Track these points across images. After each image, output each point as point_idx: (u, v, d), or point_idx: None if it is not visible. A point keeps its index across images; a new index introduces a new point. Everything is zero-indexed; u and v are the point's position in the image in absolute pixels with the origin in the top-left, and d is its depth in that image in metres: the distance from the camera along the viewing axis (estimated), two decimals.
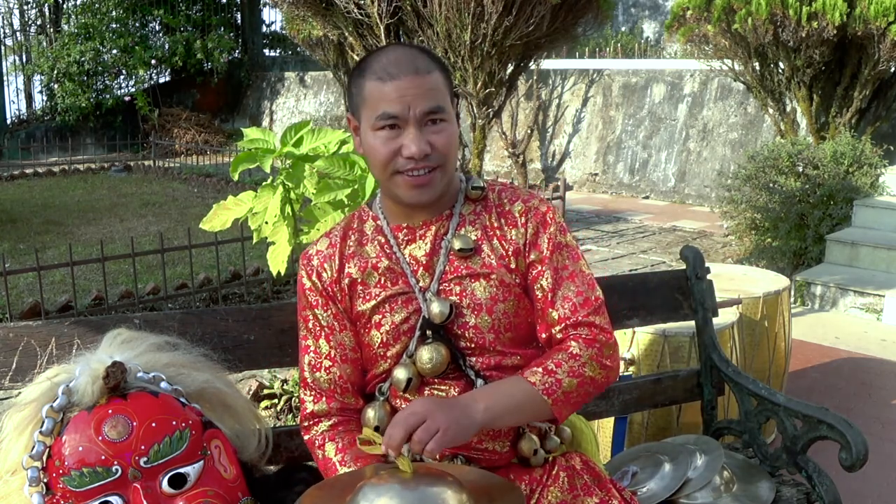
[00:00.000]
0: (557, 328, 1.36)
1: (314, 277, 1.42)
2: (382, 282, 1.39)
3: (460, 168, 5.24)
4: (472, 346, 1.37)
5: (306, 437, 1.42)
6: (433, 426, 1.16)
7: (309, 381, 1.41)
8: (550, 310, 1.37)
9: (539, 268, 1.39)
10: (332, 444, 1.37)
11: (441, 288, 1.37)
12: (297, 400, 3.13)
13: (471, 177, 1.46)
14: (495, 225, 1.41)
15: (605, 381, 1.36)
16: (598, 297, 1.40)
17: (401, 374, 1.36)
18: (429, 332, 1.36)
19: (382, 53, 1.34)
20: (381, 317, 1.38)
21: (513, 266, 1.39)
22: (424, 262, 1.38)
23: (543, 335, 1.39)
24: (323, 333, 1.41)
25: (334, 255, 1.41)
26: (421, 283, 1.38)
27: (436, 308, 1.35)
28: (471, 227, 1.40)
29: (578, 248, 1.45)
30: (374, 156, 1.34)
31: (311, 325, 1.42)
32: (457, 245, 1.37)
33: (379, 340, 1.38)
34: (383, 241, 1.41)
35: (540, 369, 1.31)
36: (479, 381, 1.35)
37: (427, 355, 1.34)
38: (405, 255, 1.39)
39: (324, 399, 1.40)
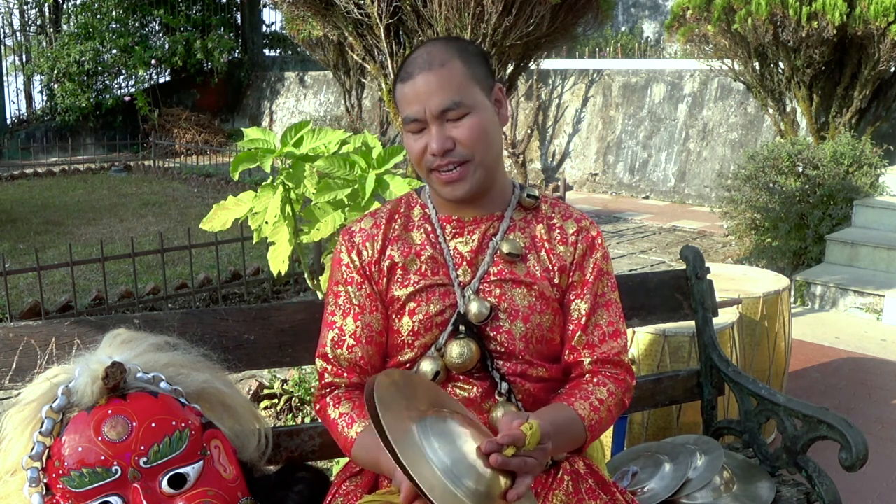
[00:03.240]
0: (588, 358, 1.39)
1: (353, 254, 1.41)
2: (423, 270, 1.38)
3: None
4: (502, 350, 1.36)
5: (318, 407, 1.41)
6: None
7: (329, 356, 1.40)
8: (580, 333, 1.39)
9: (580, 290, 1.40)
10: (348, 402, 1.36)
11: (481, 287, 1.37)
12: (296, 400, 3.13)
13: (524, 185, 1.46)
14: (544, 237, 1.41)
15: (617, 417, 1.42)
16: (625, 330, 1.44)
17: (427, 366, 1.35)
18: (462, 328, 1.35)
19: (411, 55, 1.36)
20: (416, 305, 1.37)
21: (556, 281, 1.39)
22: (469, 259, 1.38)
23: (567, 356, 1.41)
24: (353, 312, 1.40)
25: (377, 236, 1.41)
26: (461, 278, 1.38)
27: (475, 307, 1.35)
28: (520, 234, 1.40)
29: (615, 277, 1.47)
30: (409, 155, 1.36)
31: (341, 300, 1.41)
32: (505, 248, 1.37)
33: (409, 328, 1.37)
34: (430, 229, 1.41)
35: (588, 404, 1.33)
36: (504, 385, 1.35)
37: (457, 350, 1.34)
38: (450, 247, 1.39)
39: (344, 374, 1.39)
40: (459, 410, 1.22)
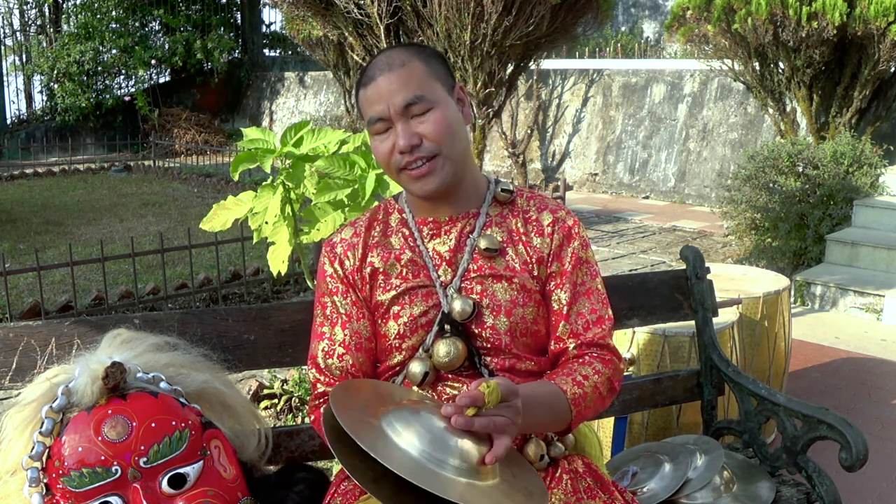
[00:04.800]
0: (573, 344, 1.39)
1: (336, 265, 1.43)
2: (404, 273, 1.39)
3: None
4: (488, 346, 1.37)
5: (312, 418, 1.41)
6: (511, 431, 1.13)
7: (321, 366, 1.41)
8: (564, 323, 1.40)
9: (558, 280, 1.41)
10: None
11: (462, 285, 1.38)
12: (296, 400, 3.13)
13: (499, 180, 1.47)
14: (521, 230, 1.42)
15: (608, 403, 1.41)
16: (610, 316, 1.44)
17: (416, 367, 1.36)
18: (447, 328, 1.36)
19: (371, 61, 1.38)
20: (399, 308, 1.38)
21: (535, 273, 1.40)
22: (448, 258, 1.39)
23: (553, 346, 1.41)
24: (340, 321, 1.41)
25: (358, 244, 1.43)
26: (442, 278, 1.39)
27: (458, 305, 1.35)
28: (497, 229, 1.41)
29: (597, 265, 1.47)
30: (377, 158, 1.38)
31: (328, 311, 1.42)
32: (482, 244, 1.38)
33: (395, 332, 1.39)
34: (407, 233, 1.43)
35: (570, 379, 1.32)
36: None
37: (444, 349, 1.34)
38: (429, 248, 1.40)
39: (336, 384, 1.39)
40: (412, 397, 1.25)
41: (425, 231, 1.42)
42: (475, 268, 1.39)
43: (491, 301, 1.37)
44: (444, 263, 1.39)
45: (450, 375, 1.37)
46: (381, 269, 1.40)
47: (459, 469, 1.08)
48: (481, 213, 1.42)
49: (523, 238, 1.41)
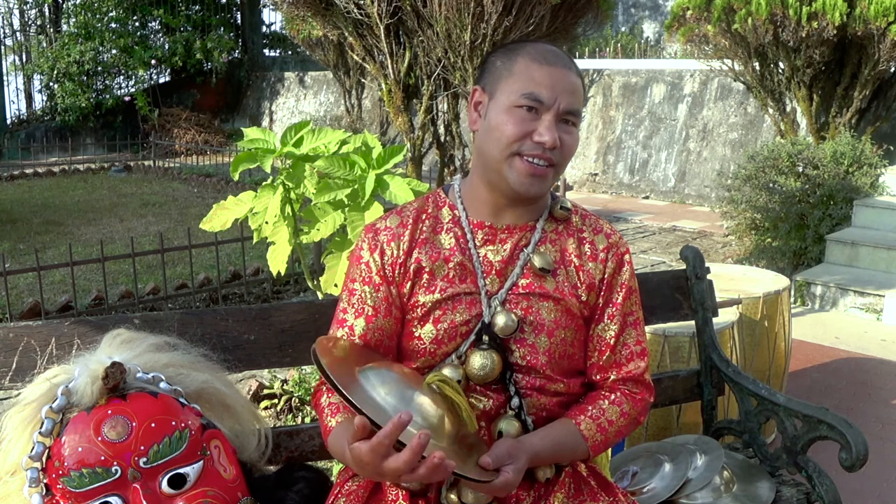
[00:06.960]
0: (613, 376, 1.41)
1: (376, 254, 1.36)
2: (451, 276, 1.35)
3: (461, 168, 5.25)
4: (523, 363, 1.34)
5: (315, 396, 1.38)
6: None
7: None
8: (609, 353, 1.40)
9: (611, 311, 1.40)
10: (342, 415, 1.30)
11: (507, 298, 1.34)
12: (296, 400, 3.13)
13: (556, 197, 1.44)
14: (575, 252, 1.39)
15: (629, 434, 1.44)
16: (647, 346, 1.46)
17: (448, 374, 1.31)
18: (485, 339, 1.33)
19: (537, 43, 1.36)
20: (441, 313, 1.34)
21: (584, 298, 1.38)
22: (498, 268, 1.35)
23: (595, 375, 1.41)
24: (365, 313, 1.35)
25: (404, 235, 1.37)
26: (488, 287, 1.35)
27: (502, 320, 1.32)
28: (551, 246, 1.38)
29: (639, 293, 1.47)
30: (501, 132, 1.30)
31: (356, 299, 1.37)
32: (538, 263, 1.35)
33: (432, 336, 1.34)
34: (460, 234, 1.37)
35: (595, 425, 1.34)
36: (515, 400, 1.33)
37: (480, 362, 1.31)
38: (480, 254, 1.36)
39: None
40: (392, 363, 1.30)
41: (480, 235, 1.37)
42: (524, 283, 1.35)
43: (535, 319, 1.34)
44: (493, 272, 1.35)
45: (477, 387, 1.33)
46: (427, 269, 1.35)
47: (418, 424, 1.16)
48: (538, 227, 1.38)
49: (575, 261, 1.38)
